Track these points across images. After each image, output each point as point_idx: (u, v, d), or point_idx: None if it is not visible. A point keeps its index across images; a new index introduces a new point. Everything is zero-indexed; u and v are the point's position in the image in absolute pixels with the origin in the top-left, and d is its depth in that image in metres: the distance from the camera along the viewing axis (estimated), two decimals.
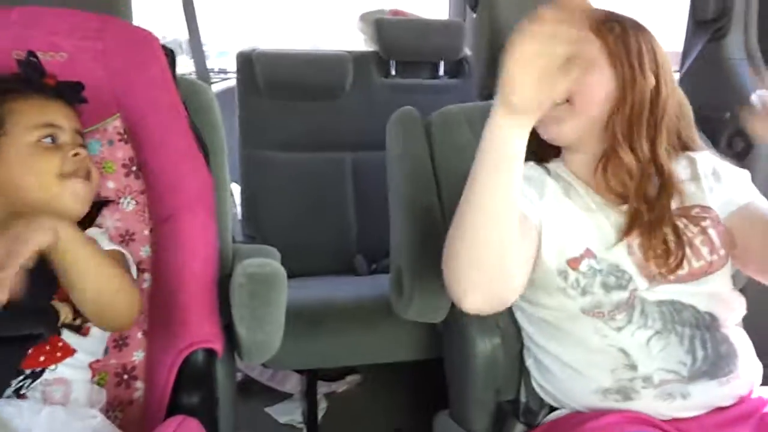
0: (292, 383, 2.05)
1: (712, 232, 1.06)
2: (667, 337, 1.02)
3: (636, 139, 1.06)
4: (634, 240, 1.05)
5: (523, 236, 0.99)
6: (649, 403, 1.01)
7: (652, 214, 1.04)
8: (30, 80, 1.07)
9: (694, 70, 1.53)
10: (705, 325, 1.03)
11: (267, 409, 1.98)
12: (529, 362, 1.17)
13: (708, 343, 1.02)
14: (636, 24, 1.11)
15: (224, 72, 3.24)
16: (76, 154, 1.03)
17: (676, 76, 1.58)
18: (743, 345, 1.06)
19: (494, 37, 1.44)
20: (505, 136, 0.85)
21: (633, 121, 1.06)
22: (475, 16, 2.35)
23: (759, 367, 1.08)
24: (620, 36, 1.07)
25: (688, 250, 1.03)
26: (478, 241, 0.91)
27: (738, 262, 1.09)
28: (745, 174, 1.15)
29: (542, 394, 1.14)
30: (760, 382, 1.08)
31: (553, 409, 1.13)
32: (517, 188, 0.90)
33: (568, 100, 1.05)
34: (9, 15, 1.18)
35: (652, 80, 1.07)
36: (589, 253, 1.05)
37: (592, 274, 1.04)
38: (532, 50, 0.78)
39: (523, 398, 1.18)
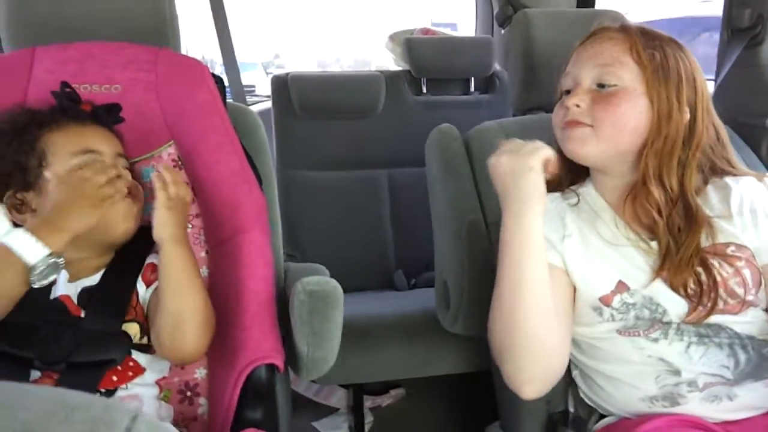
0: (338, 398, 2.06)
1: (746, 273, 1.02)
2: (707, 344, 1.01)
3: (665, 174, 1.04)
4: (667, 276, 1.03)
5: (558, 290, 1.05)
6: (696, 407, 1.01)
7: (680, 252, 1.01)
8: (65, 109, 1.11)
9: (731, 79, 1.53)
10: (744, 337, 1.02)
11: (314, 424, 2.00)
12: (575, 374, 1.17)
13: (749, 347, 1.01)
14: (676, 45, 1.07)
15: (251, 90, 3.19)
16: (119, 176, 1.04)
17: (711, 85, 1.60)
18: None
19: (529, 53, 1.47)
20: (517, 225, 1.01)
21: (664, 156, 1.04)
22: (503, 32, 2.40)
23: None
24: (661, 64, 1.04)
25: (721, 290, 1.00)
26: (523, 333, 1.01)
27: None
28: None
29: (590, 404, 1.15)
30: None
31: (602, 416, 1.13)
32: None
33: (591, 125, 1.05)
34: (67, 51, 1.23)
35: (687, 115, 1.05)
36: (622, 287, 1.04)
37: (626, 309, 1.04)
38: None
39: (571, 408, 1.19)
